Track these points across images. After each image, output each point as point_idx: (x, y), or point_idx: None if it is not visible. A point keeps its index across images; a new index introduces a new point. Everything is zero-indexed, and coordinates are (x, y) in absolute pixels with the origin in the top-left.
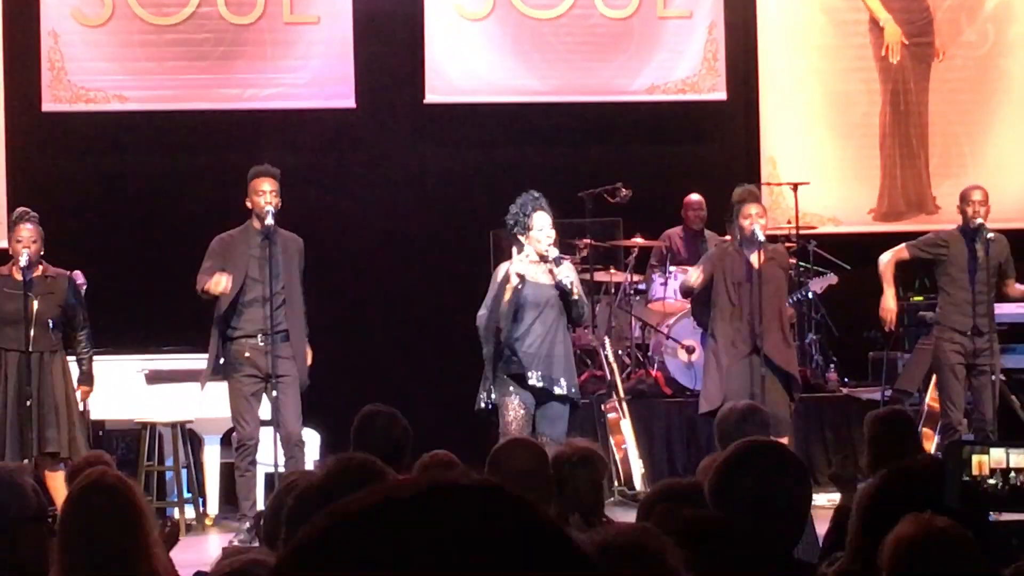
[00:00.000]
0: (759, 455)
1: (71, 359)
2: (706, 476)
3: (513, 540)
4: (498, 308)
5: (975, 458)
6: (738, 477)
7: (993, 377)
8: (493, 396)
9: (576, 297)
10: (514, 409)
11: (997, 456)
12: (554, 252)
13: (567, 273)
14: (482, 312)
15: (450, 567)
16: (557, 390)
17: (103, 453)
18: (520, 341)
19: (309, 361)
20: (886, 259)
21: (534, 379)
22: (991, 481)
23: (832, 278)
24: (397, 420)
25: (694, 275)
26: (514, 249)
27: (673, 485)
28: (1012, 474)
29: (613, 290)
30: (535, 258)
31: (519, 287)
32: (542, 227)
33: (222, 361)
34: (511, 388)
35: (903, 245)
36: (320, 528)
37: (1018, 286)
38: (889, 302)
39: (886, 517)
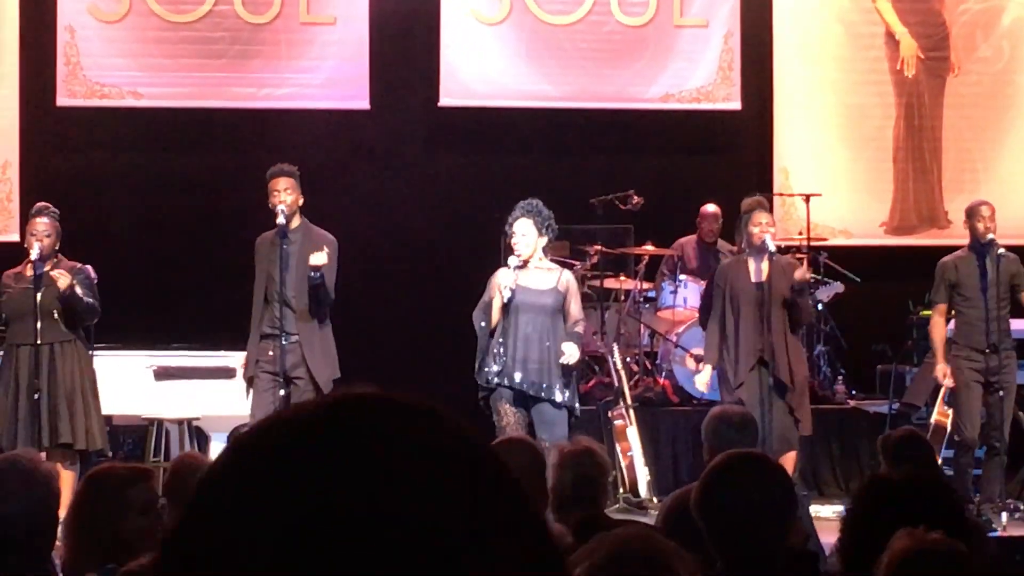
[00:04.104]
0: (742, 467)
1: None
2: None
3: (436, 459)
4: (487, 312)
5: None
6: (721, 488)
7: (1003, 393)
8: (485, 395)
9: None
10: (506, 413)
11: None
12: (514, 261)
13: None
14: (477, 312)
15: (354, 489)
16: (535, 392)
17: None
18: (504, 344)
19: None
20: (934, 331)
21: (515, 382)
22: None
23: (838, 287)
24: None
25: (713, 332)
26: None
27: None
28: None
29: (623, 297)
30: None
31: (505, 297)
32: (523, 233)
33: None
34: (502, 391)
35: (934, 309)
36: (225, 457)
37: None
38: (941, 368)
39: (872, 528)
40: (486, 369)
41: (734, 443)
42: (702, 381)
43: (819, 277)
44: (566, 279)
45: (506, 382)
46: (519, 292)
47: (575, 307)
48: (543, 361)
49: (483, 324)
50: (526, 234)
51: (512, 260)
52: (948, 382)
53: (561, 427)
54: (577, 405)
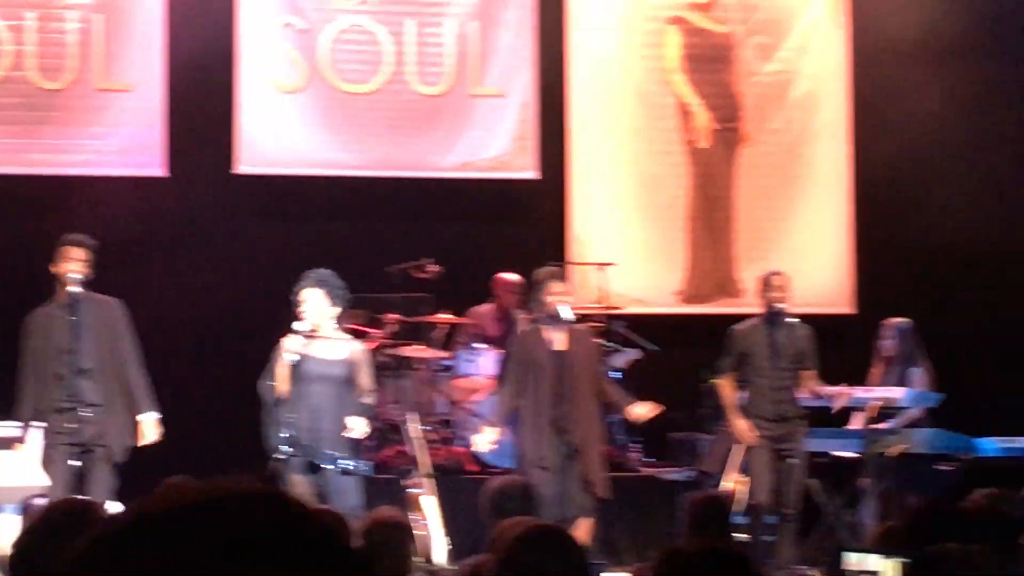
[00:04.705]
0: (539, 539)
1: None
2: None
3: (275, 542)
4: (271, 378)
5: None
6: (518, 561)
7: (793, 461)
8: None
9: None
10: (296, 483)
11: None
12: (300, 326)
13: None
14: (263, 380)
15: None
16: (326, 462)
17: None
18: (294, 413)
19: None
20: (723, 395)
21: (305, 451)
22: None
23: (634, 354)
24: None
25: (505, 398)
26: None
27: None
28: None
29: (420, 366)
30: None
31: (293, 362)
32: (310, 302)
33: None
34: (292, 461)
35: (722, 376)
36: (78, 553)
37: (812, 384)
38: (741, 426)
39: None
40: (275, 438)
41: (515, 514)
42: (483, 440)
43: (612, 345)
44: (357, 350)
45: (296, 451)
46: (310, 362)
47: (365, 378)
48: (333, 431)
49: (270, 393)
50: (314, 304)
51: (297, 325)
52: (751, 437)
53: (353, 496)
54: (369, 472)
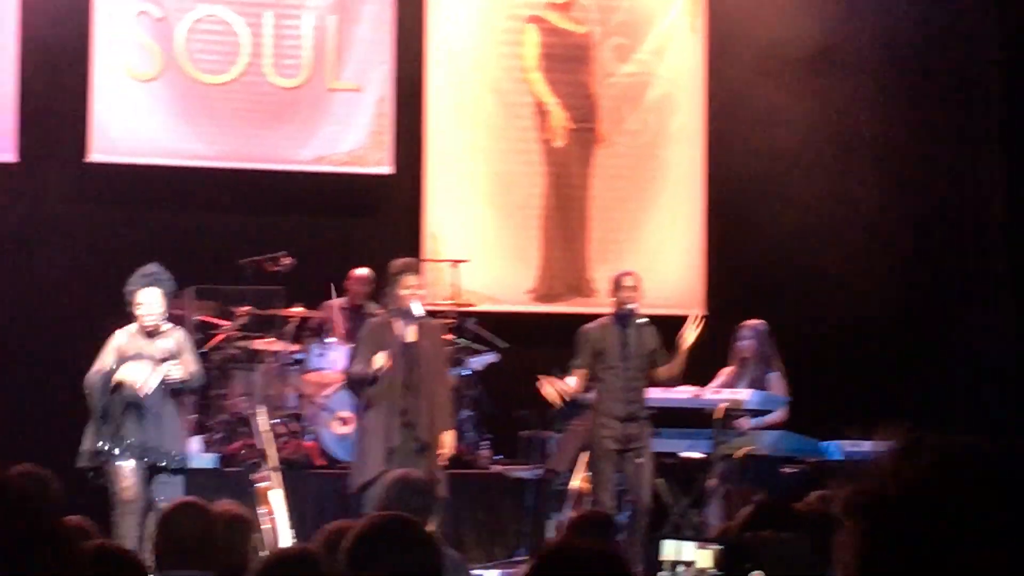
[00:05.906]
0: (392, 530)
1: None
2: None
3: None
4: (105, 378)
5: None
6: (372, 547)
7: (640, 461)
8: (100, 458)
9: (180, 378)
10: (125, 476)
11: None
12: (148, 323)
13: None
14: (93, 373)
15: None
16: (148, 458)
17: None
18: (118, 408)
19: None
20: (572, 386)
21: (133, 447)
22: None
23: (493, 357)
24: None
25: (357, 367)
26: None
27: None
28: (680, 568)
29: (271, 359)
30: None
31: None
32: (143, 303)
33: None
34: (119, 453)
35: (574, 372)
36: None
37: (662, 368)
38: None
39: None
40: (99, 433)
41: (416, 509)
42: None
43: (470, 343)
44: (180, 337)
45: (122, 448)
46: (142, 359)
47: (188, 357)
48: (156, 425)
49: (99, 389)
50: (154, 302)
51: (145, 323)
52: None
53: (177, 487)
54: (188, 465)
